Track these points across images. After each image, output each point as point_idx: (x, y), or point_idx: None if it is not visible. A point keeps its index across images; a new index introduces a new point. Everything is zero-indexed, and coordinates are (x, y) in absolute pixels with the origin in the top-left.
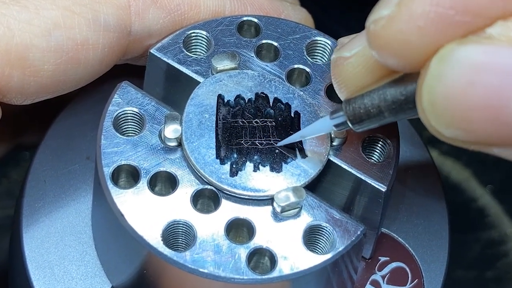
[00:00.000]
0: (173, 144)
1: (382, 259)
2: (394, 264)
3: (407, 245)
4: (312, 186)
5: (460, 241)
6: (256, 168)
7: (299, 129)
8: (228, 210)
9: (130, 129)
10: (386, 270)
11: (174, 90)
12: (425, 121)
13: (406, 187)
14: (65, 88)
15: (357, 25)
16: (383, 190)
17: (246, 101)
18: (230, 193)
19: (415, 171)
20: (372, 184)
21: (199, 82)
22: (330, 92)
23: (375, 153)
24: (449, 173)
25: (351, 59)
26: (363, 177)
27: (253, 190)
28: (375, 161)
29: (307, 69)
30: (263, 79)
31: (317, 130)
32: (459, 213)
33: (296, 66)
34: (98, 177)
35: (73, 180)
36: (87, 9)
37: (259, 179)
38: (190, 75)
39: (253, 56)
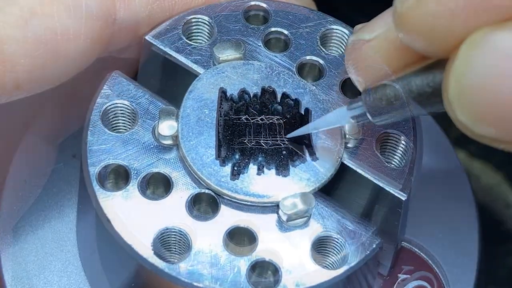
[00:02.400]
0: (168, 142)
1: (402, 276)
2: (415, 283)
3: (430, 260)
4: (324, 193)
5: (492, 254)
6: (260, 171)
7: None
8: (227, 217)
9: (121, 124)
10: None
11: (172, 83)
12: (451, 114)
13: (430, 194)
14: (43, 84)
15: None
16: (403, 198)
17: (251, 96)
18: (230, 199)
19: (441, 174)
20: (391, 192)
21: (199, 74)
22: (346, 88)
23: (395, 156)
24: (478, 177)
25: (372, 42)
26: (380, 184)
27: (256, 196)
28: (395, 165)
29: (321, 61)
30: (271, 72)
31: (332, 122)
32: (490, 222)
33: (308, 57)
34: (84, 178)
35: (56, 181)
36: None
37: (263, 183)
38: (190, 65)
39: (260, 46)
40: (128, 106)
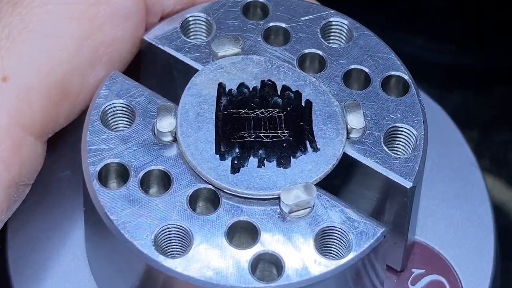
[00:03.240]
0: (167, 139)
1: (417, 271)
2: (430, 277)
3: (445, 255)
4: (332, 188)
5: (504, 268)
6: (260, 164)
7: (310, 119)
8: (229, 212)
9: (120, 123)
10: (421, 284)
11: (172, 80)
12: None
13: (444, 190)
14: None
15: None
16: (408, 186)
17: (251, 89)
18: (231, 193)
19: (455, 172)
20: (395, 180)
21: (198, 70)
22: (348, 79)
23: (400, 146)
24: (489, 192)
25: None
26: (384, 172)
27: (257, 189)
28: (400, 155)
29: (321, 53)
30: (270, 65)
31: None
32: (502, 237)
33: (308, 50)
34: (84, 178)
35: (64, 190)
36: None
37: (264, 176)
38: (189, 63)
39: (260, 41)
40: (127, 105)
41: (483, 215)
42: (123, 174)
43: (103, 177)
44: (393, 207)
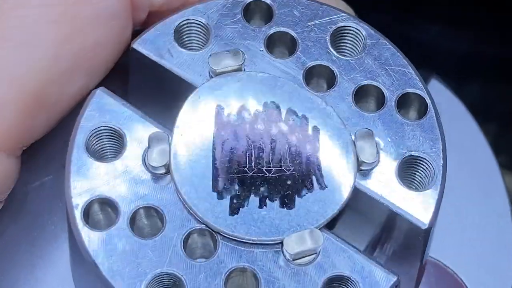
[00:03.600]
0: (160, 172)
1: None
2: None
3: (461, 278)
4: (334, 220)
5: None
6: (262, 204)
7: (317, 147)
8: (227, 257)
9: (108, 151)
10: None
11: (164, 94)
12: None
13: (459, 190)
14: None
15: None
16: (423, 227)
17: (252, 113)
18: (229, 236)
19: (472, 170)
20: (408, 218)
21: (194, 86)
22: (360, 96)
23: (416, 178)
24: (509, 191)
25: None
26: (395, 209)
27: (258, 234)
28: (415, 188)
29: (331, 67)
30: (274, 84)
31: None
32: None
33: (316, 63)
34: (68, 213)
35: (44, 197)
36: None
37: (266, 218)
38: (183, 76)
39: (262, 51)
40: (115, 129)
41: (502, 218)
42: (111, 211)
43: (89, 214)
44: (404, 244)
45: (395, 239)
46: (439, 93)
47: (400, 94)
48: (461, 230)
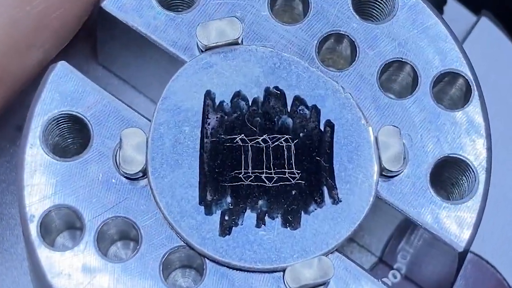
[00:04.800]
0: (135, 175)
1: None
2: None
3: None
4: None
5: None
6: (260, 222)
7: (330, 154)
8: (216, 284)
9: (70, 145)
10: None
11: (141, 67)
12: None
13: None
14: None
15: None
16: (459, 249)
17: (250, 103)
18: (219, 262)
19: None
20: (441, 238)
21: (174, 57)
22: (386, 76)
23: (453, 184)
24: None
25: None
26: (426, 226)
27: (254, 260)
28: (452, 197)
29: (351, 36)
30: (279, 62)
31: None
32: None
33: (333, 30)
34: (22, 227)
35: None
36: None
37: (265, 241)
38: (164, 48)
39: (266, 15)
40: (79, 118)
41: None
42: (74, 224)
43: (47, 228)
44: (433, 263)
45: (423, 256)
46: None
47: (438, 74)
48: (505, 224)
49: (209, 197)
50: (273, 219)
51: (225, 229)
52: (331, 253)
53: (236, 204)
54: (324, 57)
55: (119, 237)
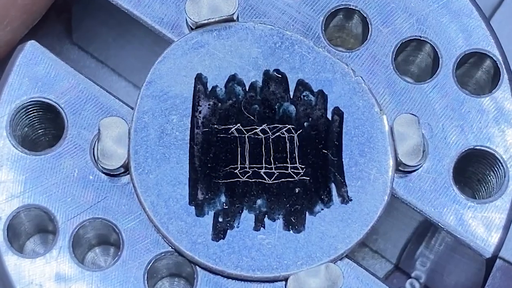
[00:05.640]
0: (115, 170)
1: None
2: None
3: None
4: None
5: None
6: (259, 224)
7: (339, 146)
8: None
9: (41, 137)
10: None
11: (122, 48)
12: None
13: None
14: None
15: None
16: (486, 255)
17: (247, 88)
18: (212, 270)
19: None
20: (467, 242)
21: (164, 39)
22: (402, 57)
23: (479, 181)
24: None
25: None
26: (450, 229)
27: (252, 268)
28: (478, 196)
29: (363, 11)
30: (280, 41)
31: None
32: None
33: (342, 3)
34: None
35: None
36: None
37: (264, 245)
38: (149, 25)
39: None
40: (51, 106)
41: None
42: (46, 227)
43: (15, 231)
44: (459, 269)
45: (445, 263)
46: None
47: (462, 55)
48: None
49: (200, 196)
50: (274, 221)
51: (219, 233)
52: (340, 259)
53: (232, 204)
54: (332, 35)
55: (98, 242)
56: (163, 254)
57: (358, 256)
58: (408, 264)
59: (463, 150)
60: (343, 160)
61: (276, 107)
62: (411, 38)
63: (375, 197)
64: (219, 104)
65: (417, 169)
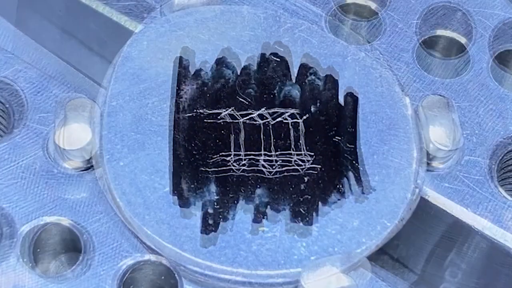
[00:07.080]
0: (78, 164)
1: None
2: None
3: None
4: None
5: None
6: (259, 216)
7: (354, 132)
8: None
9: None
10: None
11: (76, 20)
12: None
13: None
14: None
15: None
16: None
17: (239, 71)
18: (200, 275)
19: None
20: (508, 247)
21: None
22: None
23: None
24: None
25: None
26: (489, 234)
27: (249, 266)
28: None
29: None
30: (276, 25)
31: None
32: None
33: None
34: None
35: None
36: None
37: (265, 243)
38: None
39: None
40: (6, 83)
41: None
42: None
43: None
44: (496, 279)
45: (480, 273)
46: None
47: (500, 24)
48: None
49: (184, 185)
50: (278, 212)
51: (209, 226)
52: (354, 269)
53: (223, 197)
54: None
55: (63, 248)
56: (139, 260)
57: (376, 264)
58: (435, 275)
59: (503, 139)
60: (359, 148)
61: (276, 89)
62: (439, 3)
63: (395, 194)
64: (208, 83)
65: (447, 161)
